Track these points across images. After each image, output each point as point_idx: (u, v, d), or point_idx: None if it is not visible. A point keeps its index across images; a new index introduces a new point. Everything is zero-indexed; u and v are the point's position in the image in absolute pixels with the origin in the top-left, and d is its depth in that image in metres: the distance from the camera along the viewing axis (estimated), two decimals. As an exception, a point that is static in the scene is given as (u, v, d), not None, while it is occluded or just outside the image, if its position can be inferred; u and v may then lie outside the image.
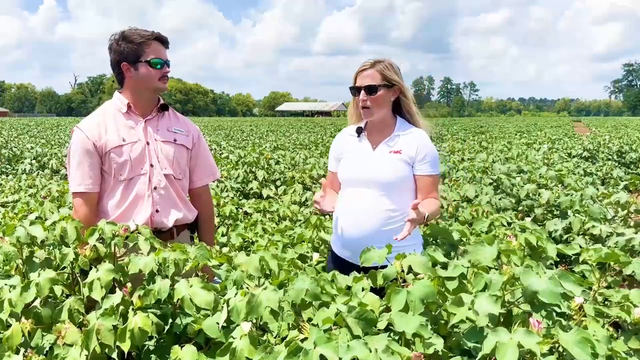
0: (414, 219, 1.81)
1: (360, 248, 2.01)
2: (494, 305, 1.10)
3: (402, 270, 1.29)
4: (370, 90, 2.02)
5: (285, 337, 1.18)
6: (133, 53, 1.99)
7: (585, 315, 1.36)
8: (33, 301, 1.35)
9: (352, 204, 2.06)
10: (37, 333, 1.32)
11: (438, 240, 2.46)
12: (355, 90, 2.07)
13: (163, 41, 2.06)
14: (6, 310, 1.31)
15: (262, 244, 3.16)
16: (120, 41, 2.00)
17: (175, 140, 2.13)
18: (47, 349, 1.30)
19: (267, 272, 1.43)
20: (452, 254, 2.37)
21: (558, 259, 3.26)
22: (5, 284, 1.38)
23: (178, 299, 1.28)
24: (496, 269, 1.20)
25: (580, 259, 2.88)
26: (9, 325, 1.30)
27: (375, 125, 2.13)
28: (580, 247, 1.94)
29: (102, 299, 1.31)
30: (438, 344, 1.07)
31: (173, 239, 2.11)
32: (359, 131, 2.14)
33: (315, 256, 2.75)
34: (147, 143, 2.06)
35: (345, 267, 2.02)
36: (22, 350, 1.26)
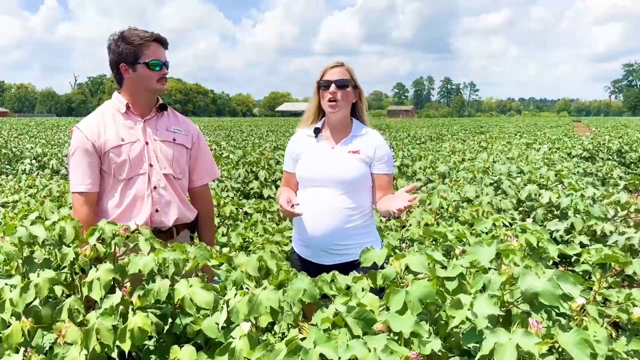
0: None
1: (321, 246, 2.10)
2: (493, 306, 1.10)
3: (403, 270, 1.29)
4: (342, 84, 2.08)
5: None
6: (131, 54, 1.99)
7: (586, 316, 1.35)
8: (33, 300, 1.35)
9: (312, 204, 2.10)
10: (38, 332, 1.32)
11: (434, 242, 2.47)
12: (324, 85, 2.10)
13: (162, 42, 2.06)
14: (7, 310, 1.31)
15: (257, 243, 3.17)
16: (119, 42, 2.00)
17: (174, 139, 2.13)
18: (47, 348, 1.30)
19: (265, 272, 1.43)
20: (451, 254, 2.37)
21: (559, 260, 3.26)
22: (6, 284, 1.37)
23: (178, 300, 1.28)
24: (495, 269, 1.19)
25: (581, 259, 2.88)
26: (10, 325, 1.30)
27: (335, 126, 2.17)
28: (582, 246, 1.94)
29: (101, 299, 1.31)
30: (435, 344, 1.07)
31: (173, 238, 2.11)
32: (317, 132, 2.18)
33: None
34: (146, 143, 2.06)
35: (307, 267, 2.09)
36: (22, 349, 1.26)
